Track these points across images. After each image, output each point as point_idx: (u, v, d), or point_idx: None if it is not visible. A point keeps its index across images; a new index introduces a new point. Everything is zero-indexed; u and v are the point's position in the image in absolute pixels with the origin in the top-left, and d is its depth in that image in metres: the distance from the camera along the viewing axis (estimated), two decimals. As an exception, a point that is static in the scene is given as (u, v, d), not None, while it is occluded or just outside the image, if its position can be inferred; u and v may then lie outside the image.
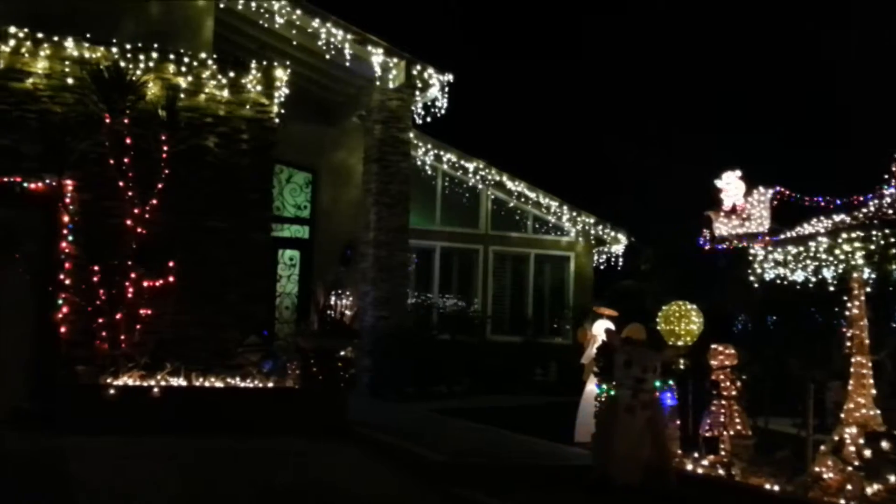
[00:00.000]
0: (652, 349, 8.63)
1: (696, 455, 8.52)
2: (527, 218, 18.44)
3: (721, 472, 7.98)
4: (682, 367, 9.20)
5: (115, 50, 11.22)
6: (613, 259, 19.21)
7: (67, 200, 10.80)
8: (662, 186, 23.37)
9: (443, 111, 15.09)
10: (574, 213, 18.49)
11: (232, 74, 11.82)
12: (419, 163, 17.09)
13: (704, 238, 11.94)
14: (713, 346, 9.06)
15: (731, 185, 11.76)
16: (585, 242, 18.78)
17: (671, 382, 8.94)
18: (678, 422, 8.95)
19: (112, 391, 9.85)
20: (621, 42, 29.07)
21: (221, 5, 13.73)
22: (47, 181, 10.78)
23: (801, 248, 12.05)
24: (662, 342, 9.16)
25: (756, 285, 13.34)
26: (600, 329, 10.10)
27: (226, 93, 11.83)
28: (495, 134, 24.32)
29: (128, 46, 11.31)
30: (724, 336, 10.28)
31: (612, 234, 18.81)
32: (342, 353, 10.93)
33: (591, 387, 9.88)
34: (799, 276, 12.98)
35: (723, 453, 8.45)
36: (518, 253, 18.34)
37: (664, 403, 8.69)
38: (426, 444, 9.31)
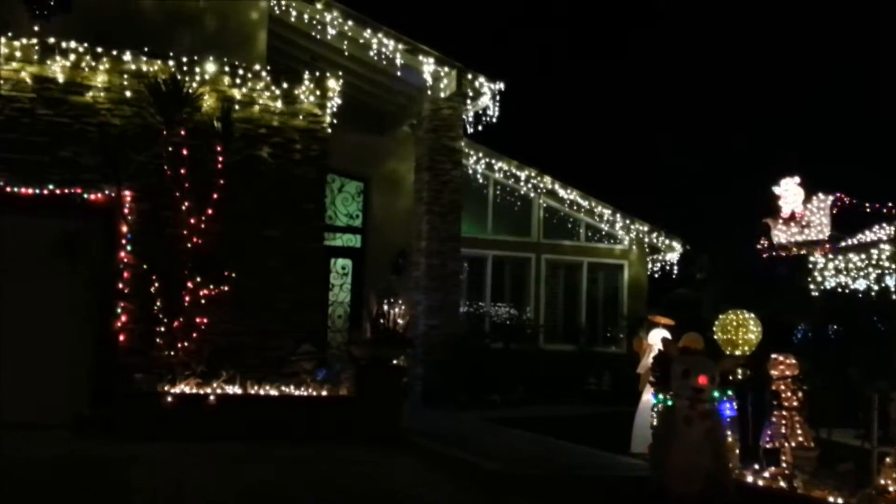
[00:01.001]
0: (710, 359, 8.45)
1: (756, 467, 8.33)
2: (579, 226, 18.29)
3: (783, 484, 7.79)
4: (740, 377, 9.01)
5: (171, 63, 11.41)
6: (668, 267, 18.95)
7: (126, 211, 11.00)
8: (718, 193, 23.02)
9: (494, 119, 15.06)
10: (627, 221, 18.30)
11: (285, 85, 11.94)
12: (471, 171, 17.07)
13: (762, 246, 11.70)
14: (773, 355, 8.86)
15: (789, 191, 11.51)
16: (639, 250, 18.56)
17: (730, 393, 8.75)
18: (738, 433, 8.76)
19: (169, 399, 9.99)
20: (675, 46, 28.77)
21: (274, 17, 13.90)
22: (107, 192, 11.00)
23: (863, 256, 11.74)
24: (720, 352, 8.98)
25: (816, 294, 13.03)
26: (656, 338, 9.95)
27: (279, 104, 11.95)
28: (547, 142, 24.23)
29: (184, 59, 11.50)
30: (784, 345, 10.05)
31: (667, 241, 18.58)
32: (395, 361, 10.94)
33: (648, 397, 9.73)
34: (861, 285, 12.66)
35: (784, 465, 8.25)
36: (571, 261, 18.19)
37: (723, 414, 8.49)
38: (480, 452, 9.26)
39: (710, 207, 22.47)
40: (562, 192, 17.88)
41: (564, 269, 18.25)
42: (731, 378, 8.76)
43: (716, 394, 8.26)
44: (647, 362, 9.98)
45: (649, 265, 18.91)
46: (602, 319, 18.36)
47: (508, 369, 15.59)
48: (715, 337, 9.15)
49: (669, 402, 8.36)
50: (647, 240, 18.49)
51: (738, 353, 8.98)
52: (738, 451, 8.58)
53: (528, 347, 16.69)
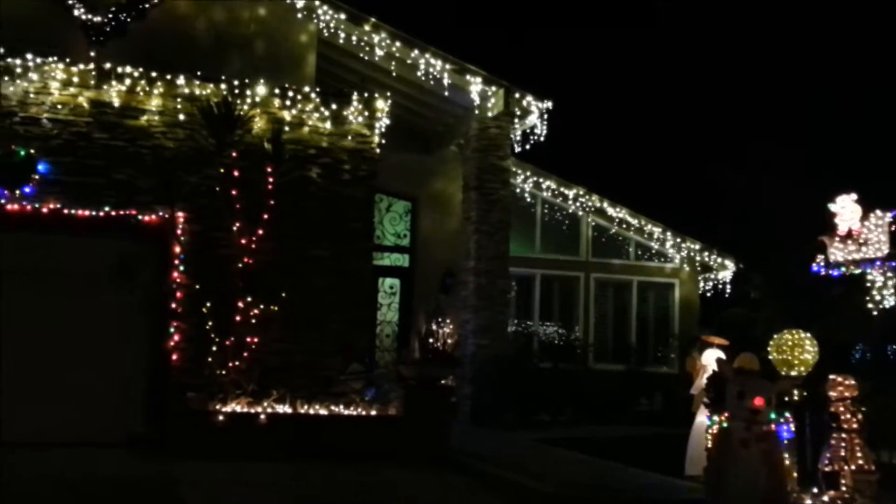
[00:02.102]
0: (766, 379, 8.26)
1: (815, 490, 8.12)
2: (629, 244, 18.12)
3: (843, 509, 7.55)
4: (797, 398, 8.79)
5: (223, 86, 11.59)
6: (720, 286, 18.65)
7: (179, 232, 11.16)
8: (772, 210, 22.62)
9: (542, 138, 15.02)
10: (678, 240, 18.07)
11: (334, 106, 12.05)
12: (518, 190, 17.03)
13: (818, 264, 11.45)
14: (832, 376, 8.63)
15: (845, 208, 11.26)
16: (690, 269, 18.31)
17: (787, 414, 8.54)
18: (795, 455, 8.54)
19: (221, 417, 10.08)
20: (725, 61, 28.48)
21: (323, 40, 14.07)
22: (160, 214, 11.18)
23: (925, 274, 11.39)
24: (776, 372, 8.78)
25: (874, 313, 12.70)
26: (710, 358, 9.75)
27: (328, 124, 12.07)
28: (595, 159, 24.07)
29: (235, 82, 11.68)
30: (842, 366, 9.79)
31: (719, 260, 18.30)
32: (444, 381, 10.90)
33: (702, 418, 9.54)
34: (921, 304, 12.29)
35: (844, 489, 8.02)
36: (620, 280, 18.01)
37: (780, 436, 8.29)
38: (531, 474, 9.16)
39: (764, 225, 22.09)
40: (610, 211, 17.74)
41: (614, 288, 18.07)
42: (787, 399, 8.57)
43: (772, 415, 8.09)
44: (700, 383, 9.79)
45: (701, 284, 18.63)
46: (653, 339, 18.12)
47: (557, 389, 15.44)
48: (770, 357, 8.95)
49: (725, 424, 8.20)
50: (698, 258, 18.24)
51: (793, 373, 8.77)
52: (795, 474, 8.35)
53: (578, 367, 16.52)
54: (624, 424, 15.37)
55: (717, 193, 24.82)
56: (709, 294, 18.79)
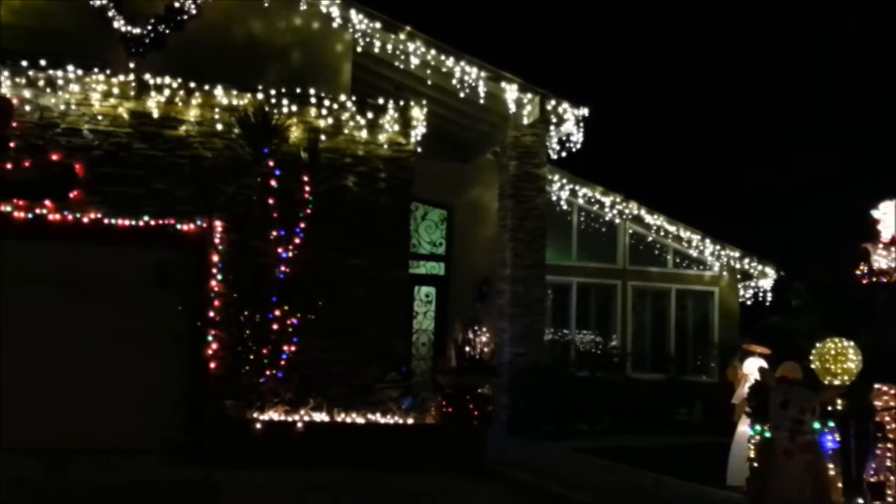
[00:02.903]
0: (810, 389, 8.10)
1: (860, 501, 7.97)
2: (667, 252, 17.92)
3: (890, 520, 7.38)
4: (840, 407, 8.61)
5: (260, 96, 11.69)
6: (761, 294, 18.38)
7: (217, 241, 11.25)
8: (813, 217, 22.28)
9: (578, 145, 14.94)
10: (717, 247, 17.84)
11: (370, 115, 12.09)
12: (554, 198, 16.94)
13: (861, 271, 11.24)
14: (876, 385, 8.44)
15: (888, 215, 11.03)
16: (730, 277, 18.07)
17: (831, 424, 8.36)
18: (840, 466, 8.35)
19: (258, 425, 10.11)
20: (762, 65, 28.17)
21: (358, 49, 14.13)
22: (198, 223, 11.28)
23: (973, 280, 11.13)
24: (819, 382, 8.61)
25: (921, 321, 12.39)
26: (752, 367, 9.60)
27: (364, 133, 12.10)
28: (633, 167, 23.91)
29: (272, 92, 11.77)
30: (885, 375, 9.58)
31: (759, 267, 18.04)
32: (480, 390, 10.84)
33: (744, 428, 9.38)
34: (969, 311, 12.00)
35: (889, 499, 7.83)
36: (658, 288, 17.81)
37: (824, 446, 8.12)
38: (569, 484, 9.08)
39: (806, 231, 21.76)
40: (648, 218, 17.58)
41: (652, 296, 17.88)
42: (831, 409, 8.40)
43: (816, 425, 7.93)
44: (742, 392, 9.63)
45: (741, 292, 18.37)
46: (692, 348, 17.88)
47: (595, 398, 15.29)
48: (812, 366, 8.78)
49: (767, 434, 8.06)
50: (738, 266, 17.99)
51: (836, 382, 8.60)
52: (840, 485, 8.17)
53: (615, 376, 16.35)
54: (663, 434, 15.17)
55: (758, 200, 24.52)
56: (749, 302, 18.52)
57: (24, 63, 11.12)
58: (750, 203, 25.06)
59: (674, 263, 17.93)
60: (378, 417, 10.60)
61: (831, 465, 8.16)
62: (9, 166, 10.79)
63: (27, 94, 11.11)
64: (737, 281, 18.20)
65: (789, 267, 18.16)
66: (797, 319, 16.36)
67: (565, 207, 17.31)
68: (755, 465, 8.27)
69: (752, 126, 27.09)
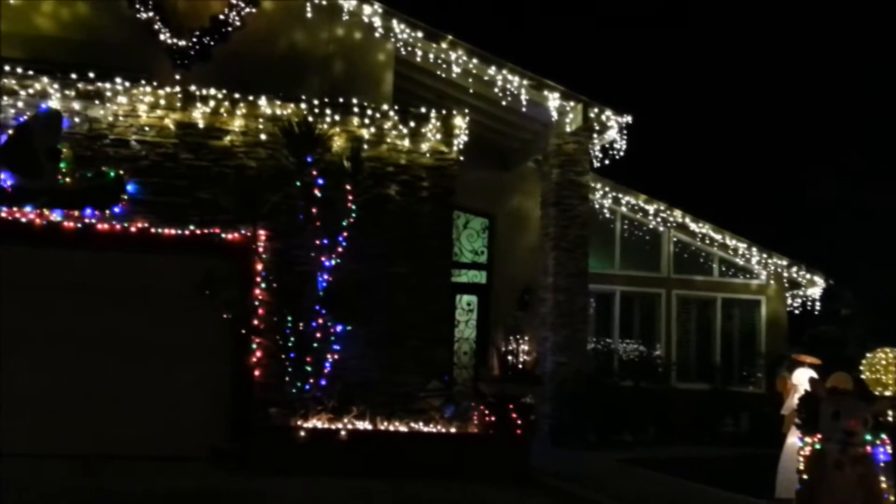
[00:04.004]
0: (862, 400, 7.92)
1: (915, 516, 7.69)
2: (712, 260, 17.69)
3: (946, 536, 7.16)
4: (891, 419, 8.40)
5: (303, 106, 11.78)
6: (809, 303, 18.04)
7: (261, 250, 11.34)
8: (863, 224, 21.82)
9: (621, 153, 14.81)
10: (764, 255, 17.56)
11: (412, 124, 12.12)
12: (597, 206, 16.83)
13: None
14: (931, 396, 8.22)
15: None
16: (777, 285, 17.76)
17: (883, 436, 8.15)
18: (893, 478, 8.14)
19: (302, 433, 10.15)
20: (806, 70, 27.72)
21: (400, 59, 14.18)
22: (243, 232, 11.39)
23: None
24: (871, 392, 8.41)
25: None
26: (802, 378, 9.41)
27: (406, 142, 12.13)
28: (677, 174, 23.65)
29: (315, 102, 11.86)
30: (940, 386, 9.34)
31: (808, 276, 17.71)
32: (524, 399, 10.77)
33: (793, 439, 9.19)
34: None
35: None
36: (703, 297, 17.57)
37: (877, 458, 7.92)
38: (613, 494, 8.98)
39: (855, 239, 21.33)
40: (693, 226, 17.37)
41: (697, 305, 17.65)
42: (882, 420, 8.20)
43: (868, 437, 7.75)
44: (791, 403, 9.44)
45: (789, 301, 18.05)
46: (738, 357, 17.60)
47: (639, 408, 15.12)
48: (862, 377, 8.59)
49: (818, 446, 7.89)
50: (785, 274, 17.69)
51: (888, 393, 8.41)
52: (893, 498, 7.96)
53: (660, 386, 16.15)
54: (709, 445, 14.96)
55: (806, 207, 24.10)
56: (797, 311, 18.18)
57: (74, 76, 11.34)
58: (798, 210, 24.64)
59: (719, 272, 17.69)
60: (421, 426, 10.58)
61: (883, 478, 7.96)
62: (59, 177, 11.00)
63: (76, 105, 11.32)
64: (784, 290, 17.89)
65: (838, 275, 17.82)
66: (847, 329, 16.07)
67: (608, 215, 17.18)
68: (805, 477, 8.11)
69: (799, 131, 26.67)
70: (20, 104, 11.19)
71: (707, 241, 17.52)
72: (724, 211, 18.68)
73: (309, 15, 13.76)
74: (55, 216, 10.99)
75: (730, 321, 17.75)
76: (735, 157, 25.96)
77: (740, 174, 25.50)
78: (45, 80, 11.25)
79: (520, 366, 10.94)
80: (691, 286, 17.49)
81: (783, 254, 17.68)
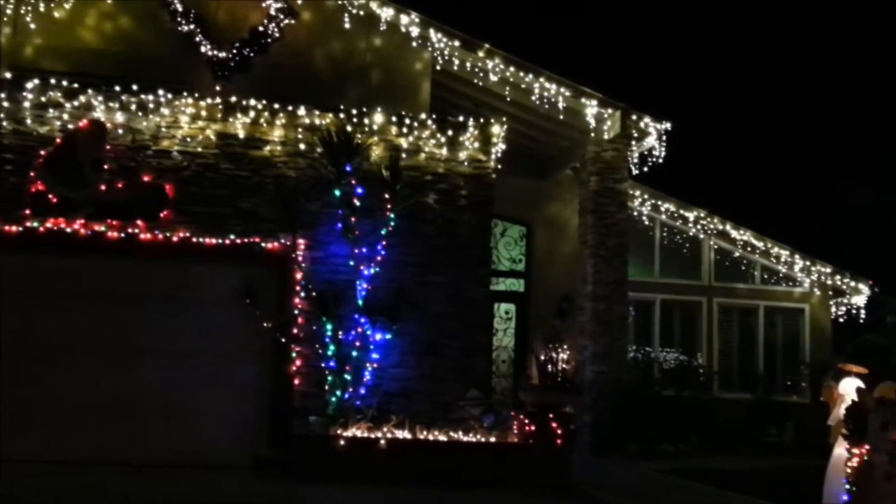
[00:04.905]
0: (912, 410, 7.76)
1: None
2: (754, 268, 17.46)
3: None
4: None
5: (342, 116, 11.85)
6: (854, 311, 17.73)
7: (300, 258, 11.41)
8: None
9: (660, 160, 14.69)
10: (807, 263, 17.30)
11: (450, 133, 12.13)
12: (636, 213, 16.70)
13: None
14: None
15: None
16: (821, 293, 17.48)
17: (934, 447, 7.96)
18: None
19: (342, 442, 10.17)
20: (853, 74, 27.31)
21: (437, 67, 14.22)
22: (282, 241, 11.46)
23: None
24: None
25: None
26: (849, 388, 9.24)
27: (444, 150, 12.15)
28: (717, 181, 23.41)
29: (353, 111, 11.92)
30: None
31: (852, 283, 17.41)
32: (564, 408, 10.69)
33: (840, 450, 9.02)
34: None
35: None
36: (745, 305, 17.33)
37: (928, 471, 7.74)
38: (656, 506, 8.84)
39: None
40: (734, 233, 17.17)
41: (739, 314, 17.41)
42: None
43: (920, 448, 7.58)
44: (839, 413, 9.27)
45: (833, 309, 17.76)
46: (782, 367, 17.33)
47: (681, 418, 14.93)
48: (911, 387, 8.39)
49: (866, 457, 7.74)
50: (829, 282, 17.41)
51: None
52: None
53: (701, 395, 15.94)
54: (752, 456, 14.73)
55: (850, 214, 23.71)
56: (842, 319, 17.88)
57: (117, 88, 11.52)
58: (842, 217, 24.26)
59: (761, 279, 17.46)
60: (460, 435, 10.54)
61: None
62: (103, 188, 11.18)
63: (120, 117, 11.50)
64: (828, 297, 17.60)
65: (884, 283, 17.50)
66: (892, 337, 15.73)
67: (647, 223, 17.05)
68: (853, 489, 7.95)
69: (842, 136, 26.27)
70: (65, 116, 11.39)
71: (749, 249, 17.30)
72: (766, 218, 18.46)
73: (347, 25, 13.87)
74: (99, 226, 11.16)
75: (773, 329, 17.50)
76: (777, 162, 25.62)
77: (782, 180, 25.17)
78: (90, 92, 11.44)
79: (559, 375, 10.86)
80: (733, 294, 17.28)
81: (827, 261, 17.40)
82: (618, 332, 14.45)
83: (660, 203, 16.96)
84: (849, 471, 8.32)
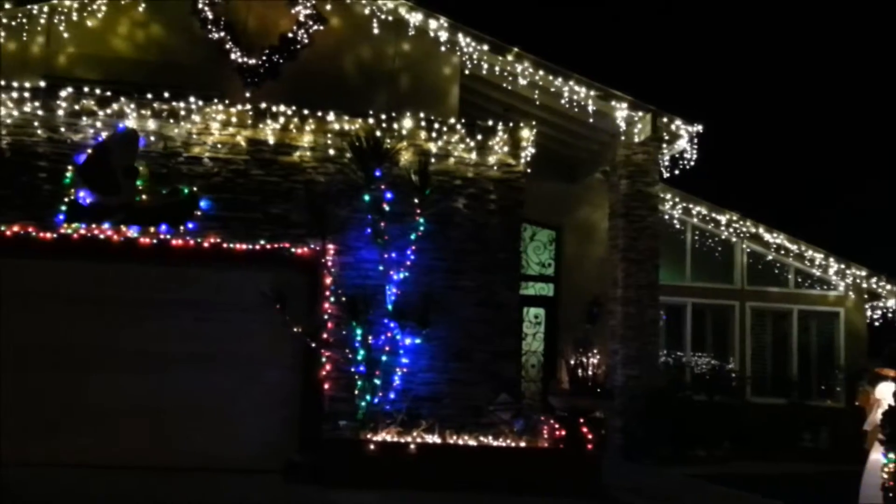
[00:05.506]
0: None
1: None
2: (787, 271, 17.25)
3: None
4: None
5: (371, 121, 11.88)
6: (890, 314, 17.44)
7: (330, 263, 11.44)
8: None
9: (692, 162, 14.56)
10: (842, 266, 17.06)
11: (479, 137, 12.11)
12: (667, 216, 16.57)
13: None
14: None
15: None
16: (856, 296, 17.23)
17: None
18: None
19: (372, 446, 10.18)
20: (883, 76, 26.93)
21: (466, 72, 14.22)
22: (312, 246, 11.51)
23: None
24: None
25: None
26: (886, 392, 9.10)
27: (473, 155, 12.13)
28: (749, 183, 23.16)
29: (383, 117, 11.94)
30: None
31: (888, 286, 17.14)
32: (595, 412, 10.63)
33: (877, 455, 8.88)
34: None
35: None
36: (779, 309, 17.12)
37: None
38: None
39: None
40: (767, 236, 16.97)
41: (772, 318, 17.20)
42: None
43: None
44: (875, 418, 9.13)
45: (868, 312, 17.49)
46: (816, 371, 17.10)
47: (713, 423, 14.78)
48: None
49: (904, 463, 7.61)
50: (864, 285, 17.15)
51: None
52: None
53: (734, 400, 15.78)
54: (786, 461, 14.54)
55: (885, 215, 23.36)
56: (877, 323, 17.60)
57: (149, 96, 11.64)
58: (877, 219, 23.89)
59: (795, 283, 17.23)
60: (490, 440, 10.51)
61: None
62: (135, 194, 11.29)
63: (152, 125, 11.61)
64: (864, 301, 17.34)
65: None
66: (931, 341, 15.41)
67: (678, 226, 16.91)
68: (890, 494, 7.83)
69: (876, 137, 25.90)
70: (98, 124, 11.53)
71: (782, 252, 17.10)
72: (799, 220, 18.22)
73: (375, 31, 13.91)
74: (132, 232, 11.28)
75: (807, 333, 17.27)
76: (810, 163, 25.30)
77: (816, 182, 24.85)
78: (122, 100, 11.56)
79: (590, 379, 10.80)
80: (766, 298, 17.08)
81: (862, 264, 17.15)
82: (649, 337, 14.34)
83: (691, 206, 16.82)
84: (885, 476, 8.20)
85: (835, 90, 27.91)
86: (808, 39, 28.30)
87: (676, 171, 14.83)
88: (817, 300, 17.22)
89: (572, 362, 10.89)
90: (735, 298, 16.98)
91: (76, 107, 11.52)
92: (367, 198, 11.38)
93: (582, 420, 10.44)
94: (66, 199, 11.26)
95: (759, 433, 15.21)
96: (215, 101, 11.80)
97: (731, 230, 16.95)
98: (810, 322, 17.30)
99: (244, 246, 11.44)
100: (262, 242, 11.50)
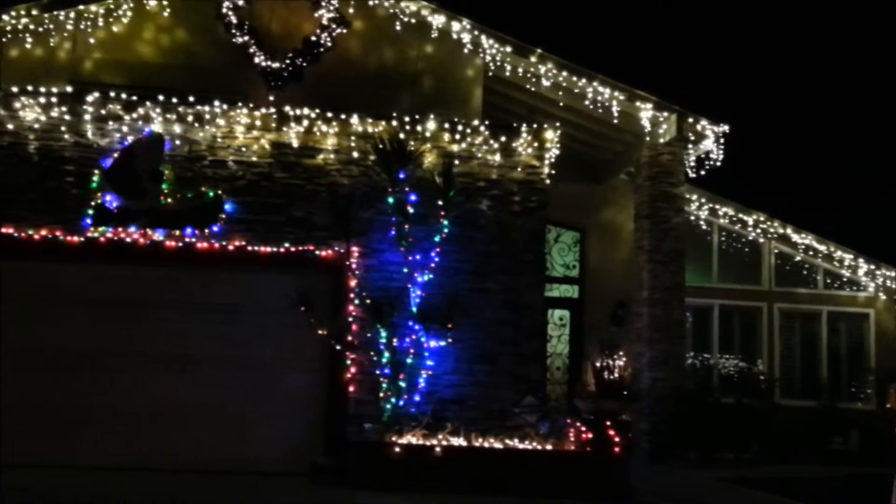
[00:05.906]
0: None
1: None
2: (816, 272, 17.02)
3: None
4: None
5: (394, 123, 11.86)
6: (922, 316, 17.18)
7: (354, 266, 11.43)
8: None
9: (718, 163, 14.43)
10: (872, 266, 16.82)
11: (503, 139, 12.06)
12: (692, 218, 16.42)
13: None
14: None
15: None
16: (887, 298, 16.97)
17: None
18: None
19: (397, 449, 10.14)
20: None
21: (489, 74, 14.17)
22: (336, 248, 11.51)
23: None
24: None
25: None
26: (918, 393, 8.93)
27: (497, 157, 12.07)
28: (777, 183, 22.89)
29: (406, 119, 11.92)
30: None
31: (920, 287, 16.87)
32: (622, 415, 10.53)
33: (910, 459, 8.72)
34: None
35: None
36: (807, 310, 16.89)
37: None
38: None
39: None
40: (795, 237, 16.77)
41: (800, 319, 16.98)
42: None
43: None
44: (907, 420, 8.96)
45: (899, 313, 17.23)
46: (846, 373, 16.86)
47: (741, 426, 14.60)
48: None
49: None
50: (895, 286, 16.88)
51: None
52: None
53: (763, 403, 15.57)
54: (815, 464, 14.34)
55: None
56: (909, 325, 17.34)
57: (174, 100, 11.70)
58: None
59: (824, 284, 17.00)
60: (516, 443, 10.44)
61: None
62: (161, 198, 11.36)
63: (177, 129, 11.67)
64: (894, 302, 17.08)
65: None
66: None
67: (704, 227, 16.76)
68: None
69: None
70: (124, 128, 11.60)
71: (810, 253, 16.89)
72: (828, 221, 17.96)
73: (398, 33, 13.91)
74: (157, 236, 11.34)
75: (836, 335, 17.02)
76: (839, 164, 24.98)
77: (845, 183, 24.52)
78: (148, 105, 11.63)
79: (616, 382, 10.69)
80: (794, 299, 16.86)
81: (892, 265, 16.90)
82: (675, 339, 14.22)
83: (717, 207, 16.66)
84: (920, 480, 8.04)
85: (864, 89, 27.53)
86: (837, 37, 27.95)
87: (702, 172, 14.72)
88: (847, 301, 16.99)
89: (598, 364, 10.78)
90: (763, 300, 16.78)
91: (102, 111, 11.60)
92: (390, 200, 11.36)
93: (608, 423, 10.35)
94: (93, 203, 11.34)
95: (788, 436, 15.01)
96: (239, 104, 11.85)
97: (759, 231, 16.77)
98: (840, 323, 17.06)
99: (269, 249, 11.46)
100: (287, 245, 11.52)
